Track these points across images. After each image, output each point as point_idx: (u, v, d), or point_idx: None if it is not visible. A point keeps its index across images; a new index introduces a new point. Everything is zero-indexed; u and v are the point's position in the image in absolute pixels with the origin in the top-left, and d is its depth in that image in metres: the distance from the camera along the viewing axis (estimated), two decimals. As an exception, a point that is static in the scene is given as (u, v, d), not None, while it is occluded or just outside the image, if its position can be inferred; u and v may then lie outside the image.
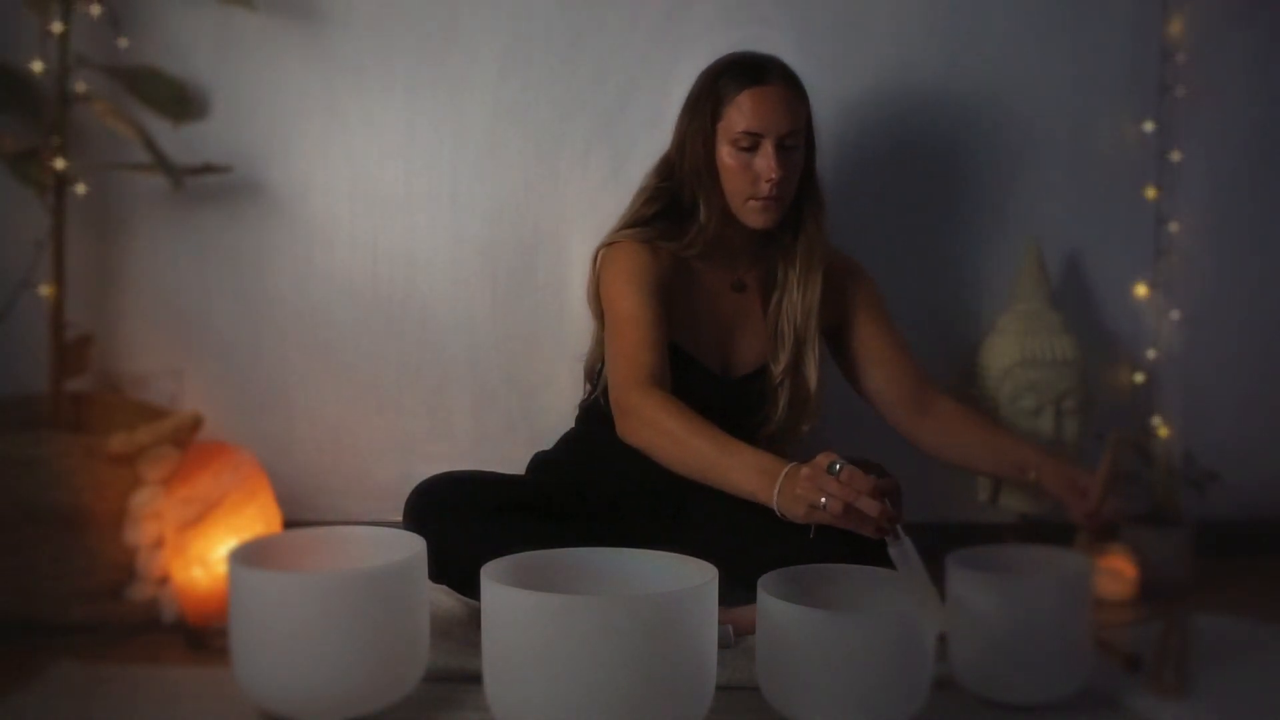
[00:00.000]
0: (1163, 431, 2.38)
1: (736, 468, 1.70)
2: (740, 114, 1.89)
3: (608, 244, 1.97)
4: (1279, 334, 2.45)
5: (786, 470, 1.64)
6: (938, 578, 1.58)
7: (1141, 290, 2.40)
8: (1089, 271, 2.40)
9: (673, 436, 1.75)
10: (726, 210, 1.94)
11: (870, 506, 1.54)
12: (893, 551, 1.54)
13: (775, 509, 1.65)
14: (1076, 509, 1.86)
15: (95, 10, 2.12)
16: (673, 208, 1.97)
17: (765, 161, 1.88)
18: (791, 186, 1.92)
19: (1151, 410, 2.40)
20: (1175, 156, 2.38)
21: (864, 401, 2.11)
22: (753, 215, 1.92)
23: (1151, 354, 2.41)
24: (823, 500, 1.57)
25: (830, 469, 1.58)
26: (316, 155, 2.28)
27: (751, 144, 1.89)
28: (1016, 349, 2.21)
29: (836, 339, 2.09)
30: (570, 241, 2.28)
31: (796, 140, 1.91)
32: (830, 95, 2.30)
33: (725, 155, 1.91)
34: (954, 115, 2.35)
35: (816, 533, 1.65)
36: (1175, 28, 2.36)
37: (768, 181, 1.88)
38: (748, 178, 1.89)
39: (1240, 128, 2.40)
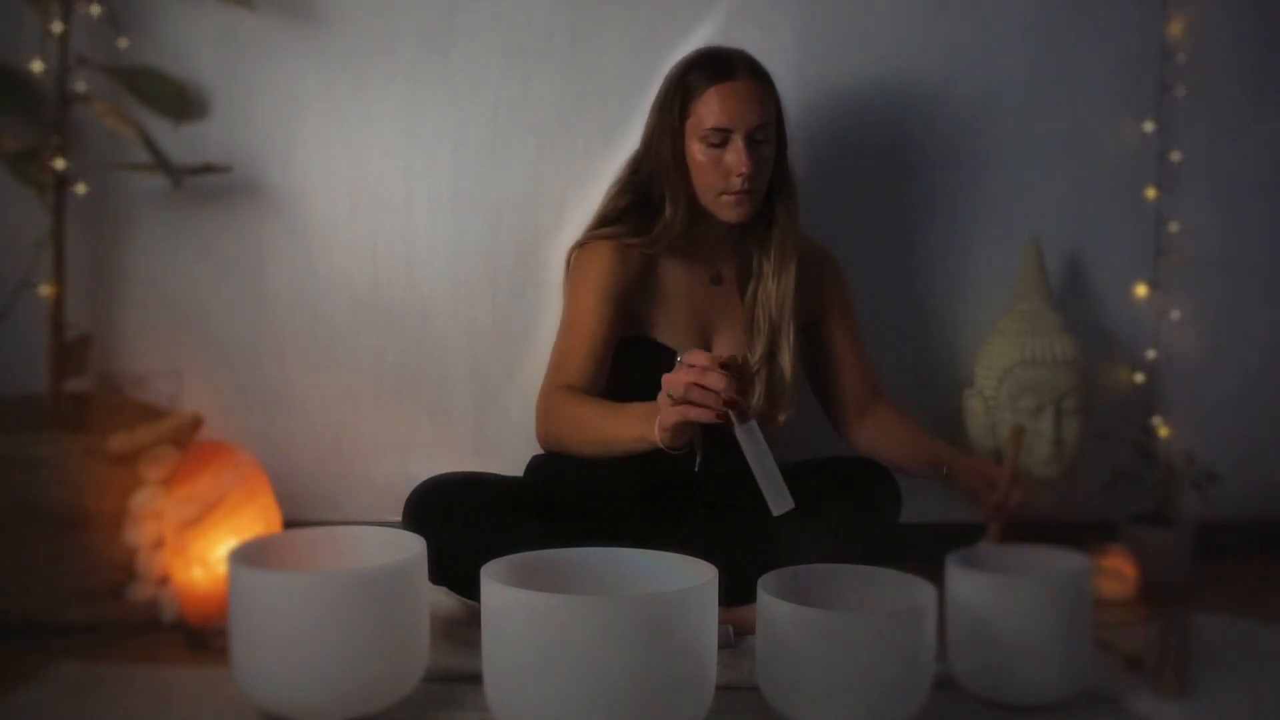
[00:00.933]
0: (1163, 431, 2.39)
1: (623, 422, 1.73)
2: (709, 110, 1.90)
3: (579, 244, 2.01)
4: (1279, 334, 2.45)
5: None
6: (937, 577, 1.58)
7: (1141, 290, 2.40)
8: (1089, 271, 2.40)
9: (566, 418, 1.81)
10: (697, 205, 1.96)
11: (715, 380, 1.52)
12: (739, 433, 1.54)
13: (660, 444, 1.65)
14: (985, 500, 1.88)
15: (95, 10, 2.12)
16: (644, 203, 1.99)
17: (736, 156, 1.89)
18: (763, 180, 1.94)
19: (1151, 410, 2.41)
20: (1175, 156, 2.38)
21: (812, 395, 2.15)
22: (726, 210, 1.93)
23: (1151, 354, 2.41)
24: (669, 394, 1.57)
25: (678, 363, 1.59)
26: (316, 155, 2.28)
27: (721, 140, 1.90)
28: (1017, 349, 2.21)
29: (806, 334, 2.09)
30: (570, 241, 2.27)
31: (766, 134, 1.92)
32: (830, 94, 2.30)
33: (696, 151, 1.92)
34: (954, 115, 2.35)
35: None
36: (1175, 28, 2.36)
37: (739, 176, 1.89)
38: (719, 173, 1.91)
39: (1240, 128, 2.40)
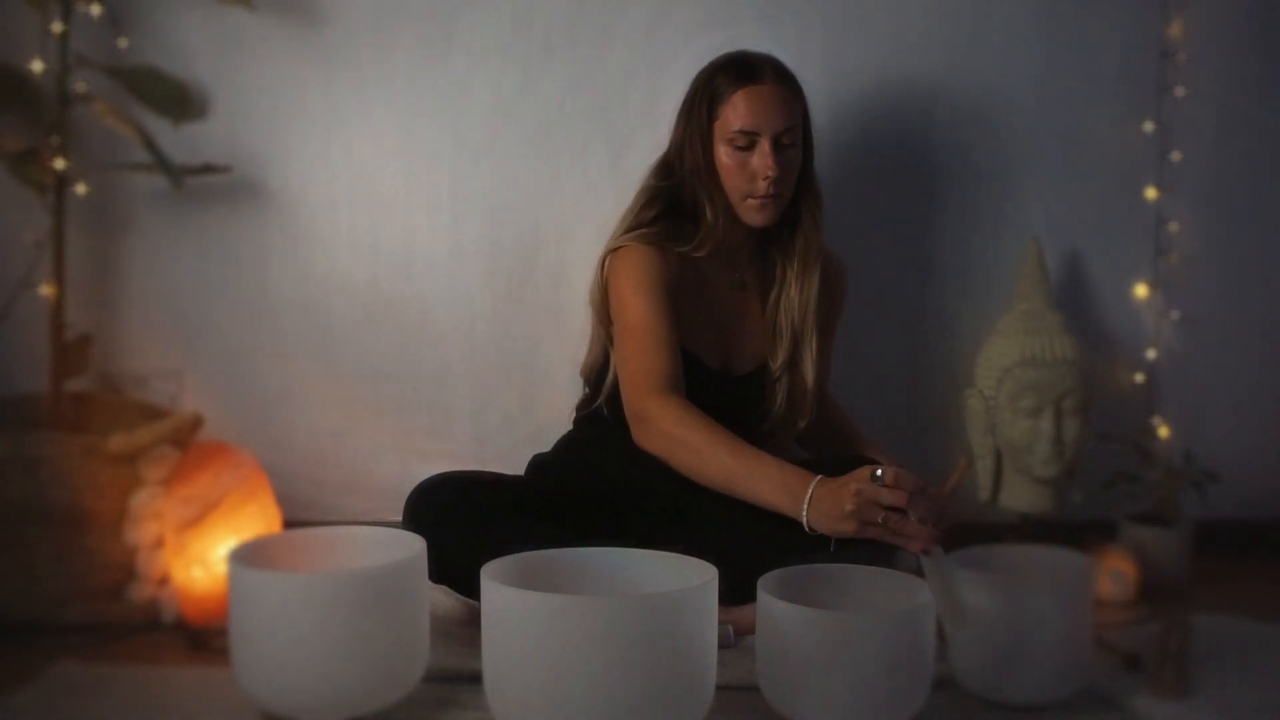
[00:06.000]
0: (1163, 431, 2.39)
1: (760, 480, 1.70)
2: (735, 113, 1.90)
3: (614, 248, 1.96)
4: (1279, 334, 2.45)
5: (815, 483, 1.65)
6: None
7: (1141, 290, 2.40)
8: (1089, 271, 2.40)
9: (691, 447, 1.76)
10: (730, 209, 1.95)
11: (923, 511, 1.54)
12: (927, 562, 1.54)
13: (805, 523, 1.65)
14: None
15: (95, 10, 2.12)
16: (674, 209, 1.97)
17: (762, 160, 1.89)
18: (789, 184, 1.93)
19: (1151, 410, 2.41)
20: (1175, 156, 2.38)
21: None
22: (751, 213, 1.93)
23: (1151, 354, 2.41)
24: (880, 517, 1.56)
25: (874, 477, 1.58)
26: (316, 155, 2.28)
27: (748, 143, 1.90)
28: (1017, 349, 2.21)
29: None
30: (570, 241, 2.28)
31: (793, 137, 1.92)
32: (830, 95, 2.30)
33: (723, 155, 1.92)
34: (954, 115, 2.35)
35: (836, 545, 1.66)
36: (1175, 28, 2.36)
37: (765, 179, 1.89)
38: (745, 176, 1.90)
39: (1240, 128, 2.40)
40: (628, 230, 1.97)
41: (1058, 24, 2.35)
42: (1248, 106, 2.40)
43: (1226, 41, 2.38)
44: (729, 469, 1.73)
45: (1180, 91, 2.37)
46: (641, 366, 1.85)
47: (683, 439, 1.77)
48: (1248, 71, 2.39)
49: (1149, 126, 2.37)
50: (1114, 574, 2.08)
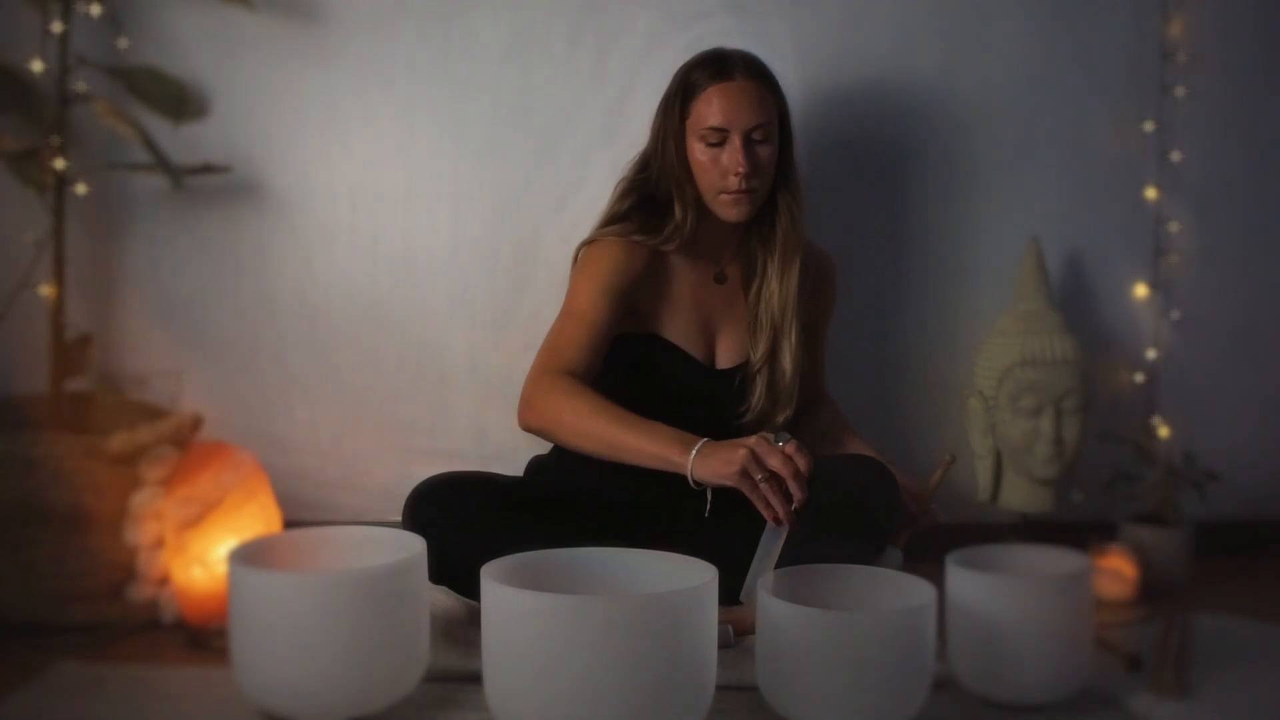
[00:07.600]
0: (1163, 431, 2.39)
1: (648, 434, 1.72)
2: (708, 109, 1.91)
3: (587, 242, 2.00)
4: (1279, 334, 2.45)
5: (704, 441, 1.69)
6: (938, 577, 1.58)
7: (1141, 290, 2.40)
8: (1089, 271, 2.40)
9: (572, 407, 1.77)
10: (703, 204, 1.96)
11: (798, 489, 1.63)
12: (772, 529, 1.66)
13: (689, 472, 1.67)
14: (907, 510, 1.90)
15: (95, 10, 2.12)
16: (651, 202, 2.00)
17: (732, 156, 1.90)
18: (764, 180, 1.94)
19: (1151, 410, 2.41)
20: (1175, 156, 2.38)
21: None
22: (725, 209, 1.94)
23: (1151, 354, 2.41)
24: (759, 476, 1.63)
25: (776, 439, 1.66)
26: (316, 155, 2.28)
27: (719, 139, 1.91)
28: (1016, 349, 2.21)
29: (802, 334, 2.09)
30: (570, 241, 2.27)
31: (766, 134, 1.92)
32: (830, 94, 2.30)
33: (696, 151, 1.93)
34: (954, 115, 2.35)
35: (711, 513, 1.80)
36: (1175, 28, 2.36)
37: (735, 175, 1.90)
38: (717, 172, 1.92)
39: (1240, 128, 2.40)
40: (603, 224, 2.01)
41: (1058, 24, 2.35)
42: (1248, 106, 2.40)
43: (1226, 41, 2.38)
44: (614, 427, 1.74)
45: (1180, 91, 2.37)
46: (553, 349, 1.88)
47: (564, 401, 1.78)
48: (1248, 71, 2.40)
49: (1149, 126, 2.37)
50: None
